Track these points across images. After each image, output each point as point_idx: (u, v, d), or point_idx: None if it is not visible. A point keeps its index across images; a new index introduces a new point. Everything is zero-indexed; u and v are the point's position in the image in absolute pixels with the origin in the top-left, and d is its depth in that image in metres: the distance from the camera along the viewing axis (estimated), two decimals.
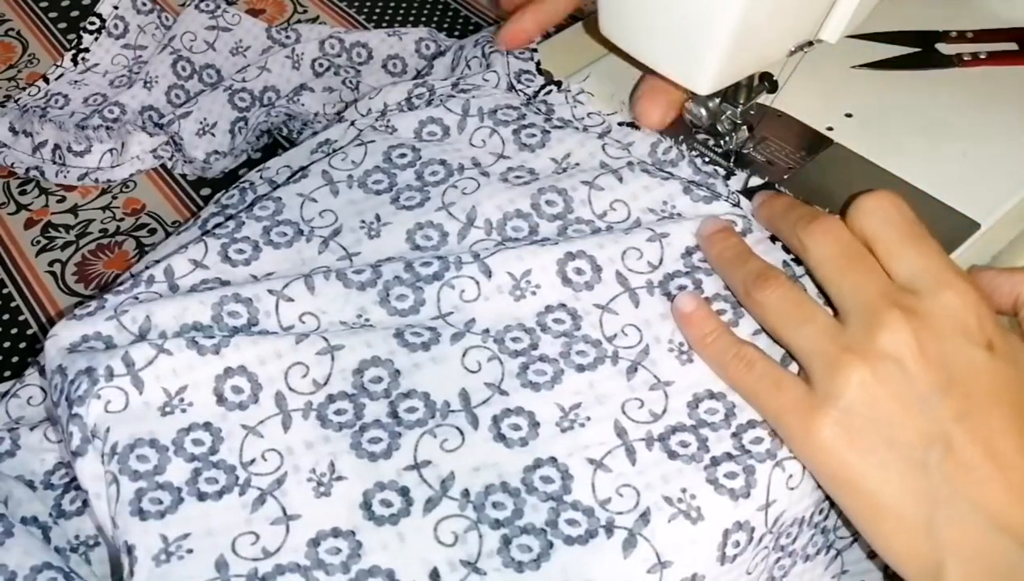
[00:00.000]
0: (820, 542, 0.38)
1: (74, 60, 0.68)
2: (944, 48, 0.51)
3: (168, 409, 0.35)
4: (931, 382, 0.32)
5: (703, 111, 0.45)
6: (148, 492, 0.33)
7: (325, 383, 0.36)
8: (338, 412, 0.35)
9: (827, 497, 0.35)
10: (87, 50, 0.68)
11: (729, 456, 0.34)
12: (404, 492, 0.34)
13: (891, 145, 0.45)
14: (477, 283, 0.38)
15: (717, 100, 0.44)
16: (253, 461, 0.34)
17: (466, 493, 0.34)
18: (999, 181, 0.44)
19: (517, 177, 0.43)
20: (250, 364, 0.36)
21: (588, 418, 0.35)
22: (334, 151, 0.45)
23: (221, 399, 0.35)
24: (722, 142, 0.45)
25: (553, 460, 0.34)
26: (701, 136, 0.46)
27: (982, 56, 0.50)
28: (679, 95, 0.45)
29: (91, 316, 0.37)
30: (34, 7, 0.75)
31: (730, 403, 0.36)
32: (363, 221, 0.41)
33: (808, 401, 0.33)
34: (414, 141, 0.45)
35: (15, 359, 0.52)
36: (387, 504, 0.33)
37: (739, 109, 0.44)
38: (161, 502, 0.33)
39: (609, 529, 0.33)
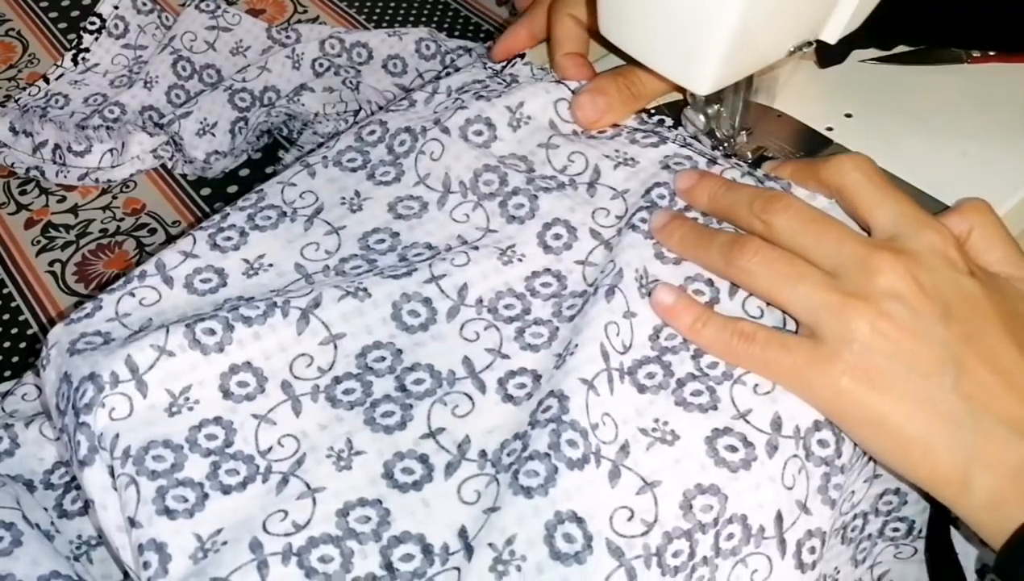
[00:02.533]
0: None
1: (74, 60, 0.68)
2: None
3: (175, 409, 0.35)
4: (933, 312, 0.34)
5: (701, 117, 0.45)
6: (170, 489, 0.33)
7: (330, 369, 0.37)
8: (347, 392, 0.36)
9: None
10: (87, 50, 0.68)
11: (693, 376, 0.36)
12: (424, 459, 0.34)
13: (891, 145, 0.45)
14: (466, 253, 0.39)
15: (716, 103, 0.44)
16: (270, 449, 0.35)
17: (483, 454, 0.34)
18: (999, 181, 0.44)
19: (476, 132, 0.44)
20: (255, 359, 0.36)
21: (577, 345, 0.36)
22: (311, 152, 0.46)
23: (227, 394, 0.36)
24: (722, 146, 0.45)
25: (551, 391, 0.35)
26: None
27: (990, 52, 0.50)
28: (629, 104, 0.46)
29: (89, 318, 0.38)
30: (34, 7, 0.75)
31: None
32: (343, 197, 0.42)
33: (820, 353, 0.34)
34: (381, 115, 0.46)
35: (15, 359, 0.52)
36: (409, 472, 0.34)
37: (738, 111, 0.44)
38: (186, 500, 0.33)
39: (598, 458, 0.34)
